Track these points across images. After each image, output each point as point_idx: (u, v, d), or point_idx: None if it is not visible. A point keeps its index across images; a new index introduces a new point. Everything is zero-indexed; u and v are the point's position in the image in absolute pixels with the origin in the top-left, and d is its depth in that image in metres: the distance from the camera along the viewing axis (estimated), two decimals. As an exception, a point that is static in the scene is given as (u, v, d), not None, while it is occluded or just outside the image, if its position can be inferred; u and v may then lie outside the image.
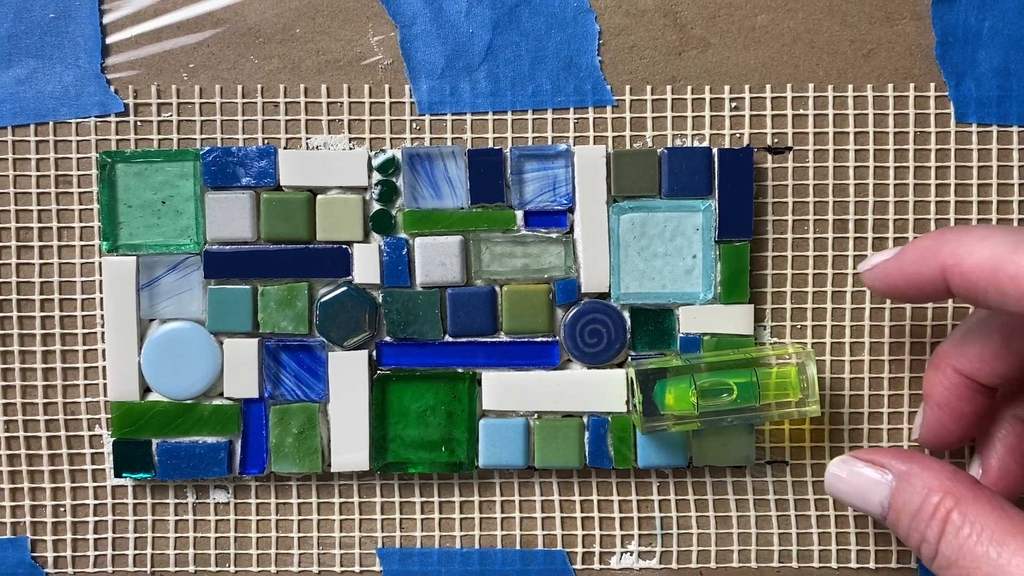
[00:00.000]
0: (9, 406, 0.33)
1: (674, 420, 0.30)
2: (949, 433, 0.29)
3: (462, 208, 0.32)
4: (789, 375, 0.30)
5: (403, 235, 0.32)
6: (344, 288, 0.32)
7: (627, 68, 0.32)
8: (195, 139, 0.32)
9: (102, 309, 0.32)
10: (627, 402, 0.31)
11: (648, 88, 0.32)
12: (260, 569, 0.33)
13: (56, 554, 0.33)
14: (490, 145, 0.32)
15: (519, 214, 0.32)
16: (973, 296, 0.25)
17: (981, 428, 0.30)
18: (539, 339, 0.32)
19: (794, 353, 0.30)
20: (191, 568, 0.33)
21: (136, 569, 0.33)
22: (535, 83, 0.32)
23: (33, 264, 0.32)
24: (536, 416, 0.32)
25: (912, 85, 0.32)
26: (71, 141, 0.32)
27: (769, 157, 0.32)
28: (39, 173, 0.32)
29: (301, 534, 0.33)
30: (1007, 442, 0.29)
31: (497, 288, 0.32)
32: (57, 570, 0.33)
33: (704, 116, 0.32)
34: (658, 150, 0.32)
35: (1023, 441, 0.29)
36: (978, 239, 0.25)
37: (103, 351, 0.32)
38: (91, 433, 0.33)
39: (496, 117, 0.32)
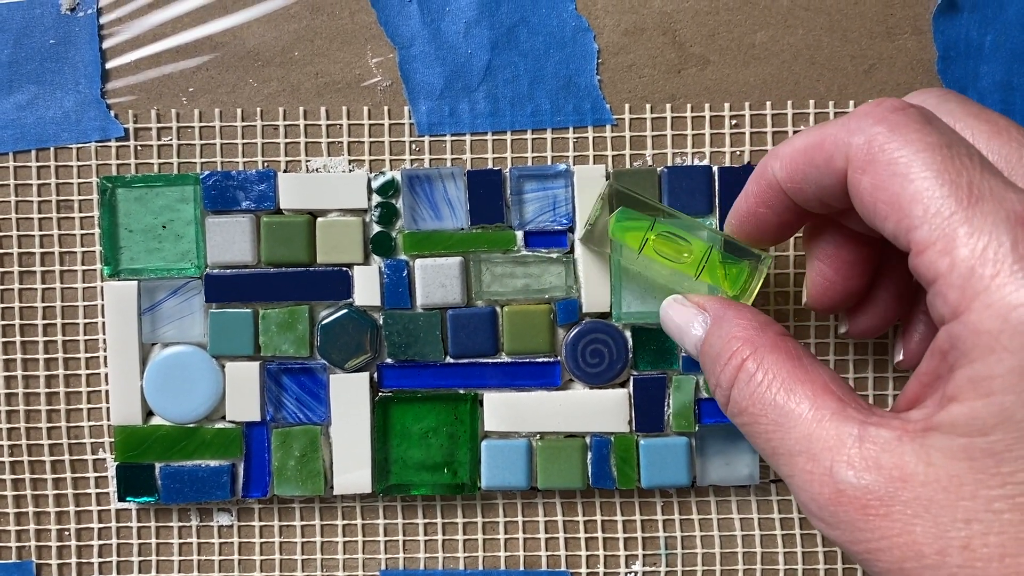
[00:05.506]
0: (13, 431, 0.33)
1: (615, 248, 0.30)
2: (833, 286, 0.28)
3: (462, 229, 0.32)
4: (742, 269, 0.29)
5: (403, 257, 0.32)
6: (345, 310, 0.32)
7: (626, 87, 0.32)
8: (195, 163, 0.32)
9: (104, 334, 0.32)
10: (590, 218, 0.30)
11: (647, 107, 0.32)
12: (264, 592, 0.33)
13: (61, 578, 0.33)
14: (489, 166, 0.32)
15: (519, 234, 0.32)
16: (801, 180, 0.24)
17: (903, 309, 0.29)
18: (540, 359, 0.32)
19: (759, 253, 0.29)
20: (195, 591, 0.33)
21: (141, 592, 0.33)
22: (534, 103, 0.32)
23: (35, 289, 0.32)
24: (538, 437, 0.32)
25: (914, 100, 0.32)
26: (72, 166, 0.32)
27: (770, 174, 0.32)
28: (40, 198, 0.32)
29: (305, 556, 0.33)
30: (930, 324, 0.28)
31: (498, 309, 0.32)
32: (62, 594, 0.33)
33: (704, 134, 0.32)
34: (658, 169, 0.32)
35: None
36: (792, 135, 0.25)
37: (106, 375, 0.32)
38: (95, 457, 0.33)
39: (495, 137, 0.32)
